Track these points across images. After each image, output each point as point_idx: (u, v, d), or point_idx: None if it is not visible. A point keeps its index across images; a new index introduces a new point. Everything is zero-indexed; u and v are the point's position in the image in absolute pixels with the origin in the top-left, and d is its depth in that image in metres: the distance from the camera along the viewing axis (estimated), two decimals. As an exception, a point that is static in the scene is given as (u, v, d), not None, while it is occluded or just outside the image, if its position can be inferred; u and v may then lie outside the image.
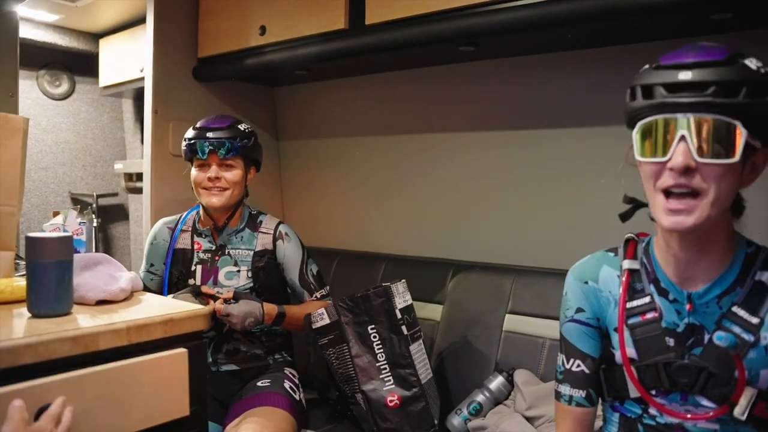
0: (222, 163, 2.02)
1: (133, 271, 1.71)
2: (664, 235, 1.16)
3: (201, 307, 1.34)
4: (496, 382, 1.99)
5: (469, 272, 2.28)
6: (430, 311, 2.29)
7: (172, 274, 2.09)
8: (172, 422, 1.25)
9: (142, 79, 2.74)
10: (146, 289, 2.12)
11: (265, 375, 2.05)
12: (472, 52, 2.13)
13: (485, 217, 2.44)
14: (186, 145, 2.05)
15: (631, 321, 1.20)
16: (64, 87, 3.52)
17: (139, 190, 3.32)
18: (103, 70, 3.31)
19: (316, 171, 3.02)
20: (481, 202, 2.45)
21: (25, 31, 2.85)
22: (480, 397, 1.98)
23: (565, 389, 1.29)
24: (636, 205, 1.21)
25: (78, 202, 3.60)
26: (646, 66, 1.11)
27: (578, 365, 1.28)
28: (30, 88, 3.36)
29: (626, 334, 1.21)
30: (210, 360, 2.03)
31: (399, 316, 1.91)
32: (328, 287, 2.15)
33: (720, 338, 1.09)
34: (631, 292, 1.22)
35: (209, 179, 2.00)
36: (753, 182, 1.08)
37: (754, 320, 1.10)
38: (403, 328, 1.91)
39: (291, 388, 2.01)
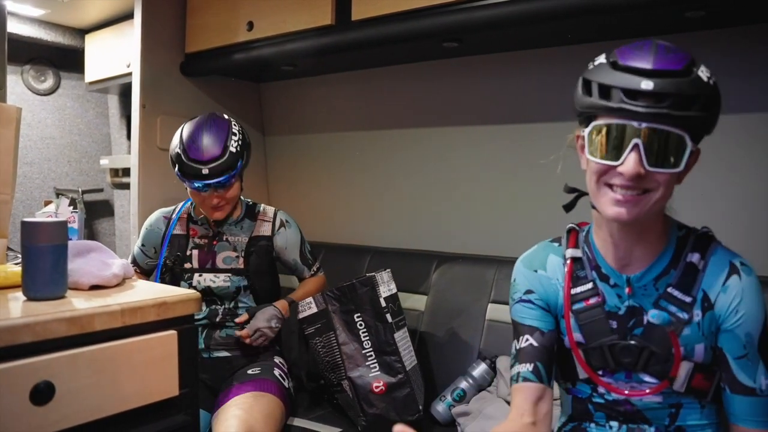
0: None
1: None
2: (607, 224, 1.20)
3: (193, 291, 1.37)
4: (480, 369, 2.04)
5: (452, 263, 2.33)
6: (415, 302, 2.34)
7: (168, 258, 2.12)
8: (163, 403, 1.28)
9: (129, 74, 2.76)
10: (135, 263, 2.23)
11: (255, 363, 2.08)
12: (456, 48, 2.18)
13: (468, 209, 2.49)
14: (178, 174, 2.01)
15: (576, 307, 1.26)
16: (50, 82, 3.51)
17: (125, 186, 3.33)
18: (89, 66, 3.31)
19: (302, 166, 3.06)
20: (464, 195, 2.51)
21: (11, 26, 2.84)
22: (464, 384, 2.03)
23: (515, 369, 1.28)
24: (579, 194, 1.26)
25: (63, 198, 3.59)
26: (602, 59, 1.11)
27: (526, 339, 1.28)
28: (15, 84, 3.35)
29: (572, 319, 1.26)
30: (203, 346, 2.07)
31: (384, 304, 1.96)
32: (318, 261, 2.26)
33: (654, 316, 1.16)
34: (575, 279, 1.27)
35: (212, 206, 2.03)
36: (686, 177, 1.14)
37: (687, 299, 1.17)
38: (388, 316, 1.95)
39: (281, 375, 2.04)
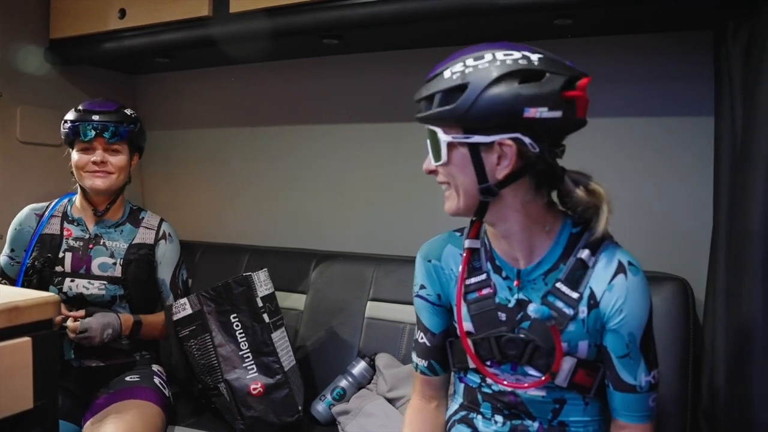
0: (107, 148, 1.96)
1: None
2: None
3: (50, 294, 1.27)
4: (359, 367, 2.05)
5: (331, 262, 2.33)
6: (294, 301, 2.31)
7: (37, 260, 1.97)
8: (14, 418, 1.18)
9: (-15, 58, 2.55)
10: (4, 275, 2.02)
11: (132, 371, 1.99)
12: (336, 46, 2.18)
13: (347, 207, 2.50)
14: (68, 128, 1.95)
15: (469, 297, 1.28)
16: None
17: (-18, 182, 3.07)
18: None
19: (177, 162, 2.95)
20: (343, 193, 2.52)
21: None
22: (343, 383, 2.03)
23: (414, 357, 1.39)
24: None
25: None
26: None
27: (422, 337, 1.37)
28: None
29: (464, 309, 1.29)
30: (72, 356, 1.95)
31: (260, 304, 1.92)
32: None
33: (533, 310, 1.18)
34: (471, 269, 1.30)
35: (94, 163, 1.94)
36: (512, 168, 1.11)
37: (574, 295, 1.20)
38: (265, 316, 1.92)
39: (160, 383, 1.97)
